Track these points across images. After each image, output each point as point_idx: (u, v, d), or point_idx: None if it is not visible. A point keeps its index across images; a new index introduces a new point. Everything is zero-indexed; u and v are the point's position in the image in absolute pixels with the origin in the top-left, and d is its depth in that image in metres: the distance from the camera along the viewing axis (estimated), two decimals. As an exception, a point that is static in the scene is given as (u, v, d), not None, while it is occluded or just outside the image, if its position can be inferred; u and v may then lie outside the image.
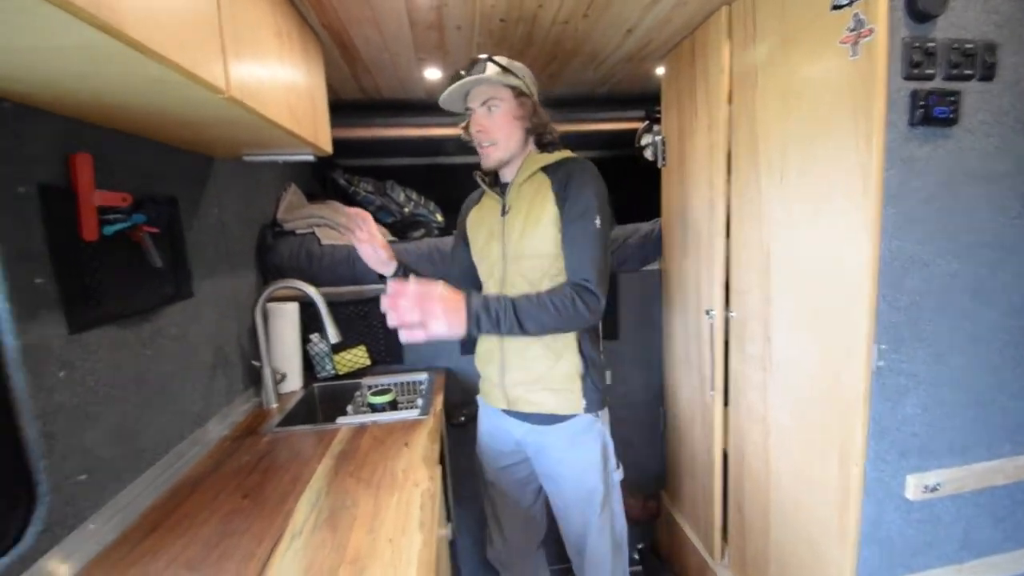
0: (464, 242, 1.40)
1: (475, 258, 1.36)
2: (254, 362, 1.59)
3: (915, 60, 0.93)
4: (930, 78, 0.95)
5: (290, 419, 1.51)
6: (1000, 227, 1.05)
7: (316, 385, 1.79)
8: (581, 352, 1.24)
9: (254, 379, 1.61)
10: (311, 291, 1.52)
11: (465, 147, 1.35)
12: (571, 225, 1.16)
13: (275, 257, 1.77)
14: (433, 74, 1.91)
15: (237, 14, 0.89)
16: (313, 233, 1.84)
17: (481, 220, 1.34)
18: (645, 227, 1.97)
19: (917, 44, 0.93)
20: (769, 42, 1.23)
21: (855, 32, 0.97)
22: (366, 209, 1.64)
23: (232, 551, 0.88)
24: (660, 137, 1.87)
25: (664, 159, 1.85)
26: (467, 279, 1.39)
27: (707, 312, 1.55)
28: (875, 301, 1.00)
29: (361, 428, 1.40)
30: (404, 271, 1.28)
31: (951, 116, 0.96)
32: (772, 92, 1.23)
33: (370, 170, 2.47)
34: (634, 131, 2.35)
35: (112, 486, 0.97)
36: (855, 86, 0.98)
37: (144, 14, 0.59)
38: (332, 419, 1.47)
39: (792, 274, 1.22)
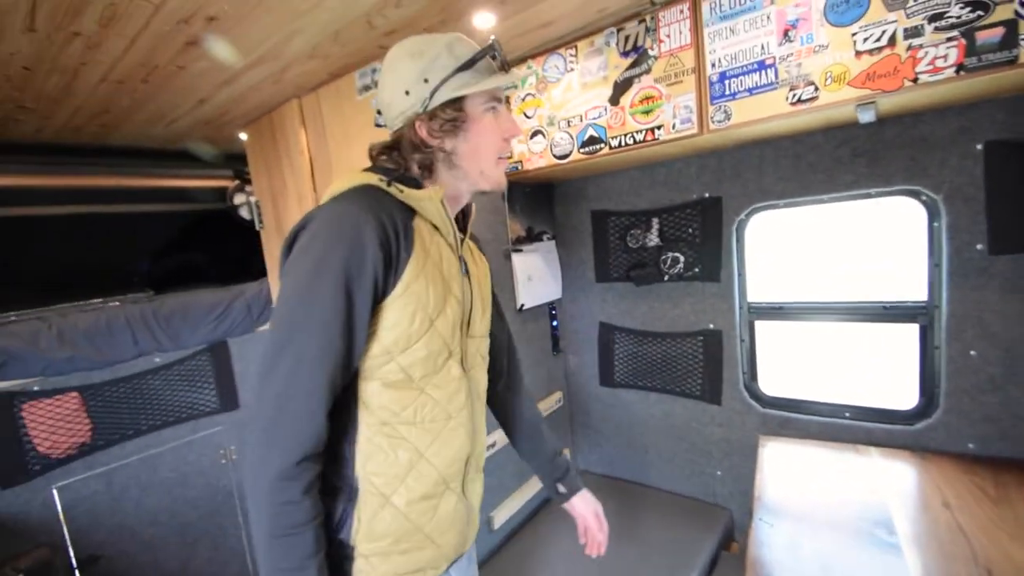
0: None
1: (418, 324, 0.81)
2: None
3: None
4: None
5: None
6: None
7: None
8: None
9: None
10: None
11: None
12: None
13: None
14: None
15: None
16: None
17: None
18: (252, 288, 1.98)
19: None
20: (336, 136, 1.53)
21: (393, 145, 1.37)
22: None
23: None
24: (254, 199, 1.93)
25: (261, 222, 1.92)
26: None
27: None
28: None
29: None
30: None
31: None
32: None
33: None
34: (219, 189, 2.32)
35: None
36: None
37: None
38: None
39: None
